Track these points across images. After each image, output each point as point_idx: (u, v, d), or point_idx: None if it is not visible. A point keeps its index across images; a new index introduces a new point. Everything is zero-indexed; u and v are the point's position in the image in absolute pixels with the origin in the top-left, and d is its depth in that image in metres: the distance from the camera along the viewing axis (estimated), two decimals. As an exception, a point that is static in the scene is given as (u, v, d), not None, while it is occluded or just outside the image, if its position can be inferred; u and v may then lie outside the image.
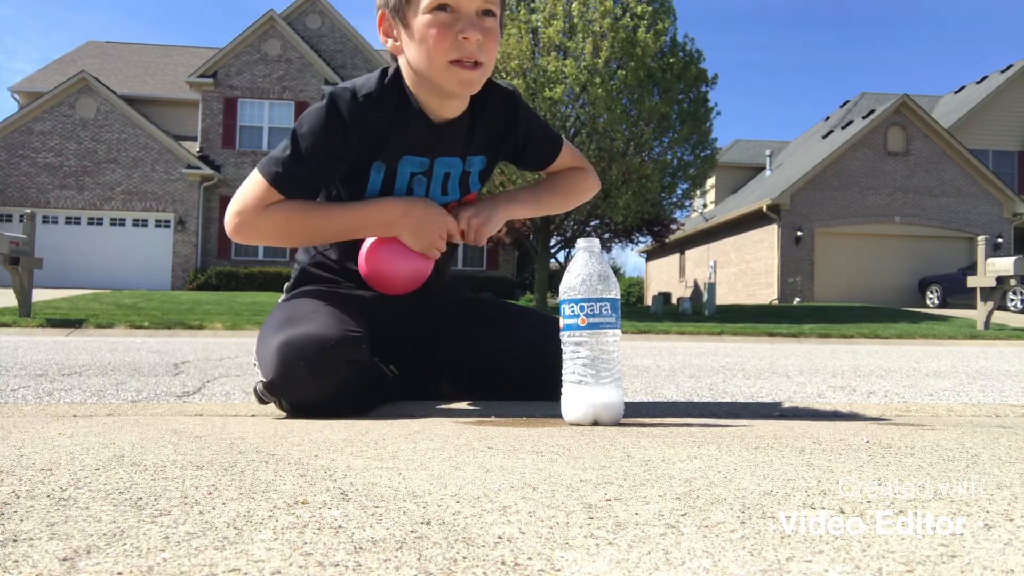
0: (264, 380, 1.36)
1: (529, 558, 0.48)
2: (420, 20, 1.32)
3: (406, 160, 1.47)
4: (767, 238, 20.05)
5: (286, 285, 1.70)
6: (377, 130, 1.41)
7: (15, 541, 0.51)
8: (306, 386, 1.31)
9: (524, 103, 1.59)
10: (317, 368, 1.29)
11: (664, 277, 29.24)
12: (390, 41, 1.41)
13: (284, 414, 1.39)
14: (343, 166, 1.44)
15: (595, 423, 1.19)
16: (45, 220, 18.94)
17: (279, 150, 1.40)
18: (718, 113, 14.06)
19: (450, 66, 1.33)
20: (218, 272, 18.92)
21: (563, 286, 1.24)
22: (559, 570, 0.46)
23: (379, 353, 1.55)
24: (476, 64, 1.34)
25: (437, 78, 1.36)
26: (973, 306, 12.12)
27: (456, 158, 1.52)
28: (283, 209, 1.40)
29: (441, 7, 1.30)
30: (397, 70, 1.45)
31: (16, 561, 0.47)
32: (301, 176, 1.39)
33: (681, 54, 13.48)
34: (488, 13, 1.34)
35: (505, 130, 1.57)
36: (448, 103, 1.44)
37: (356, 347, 1.34)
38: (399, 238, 1.46)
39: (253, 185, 1.40)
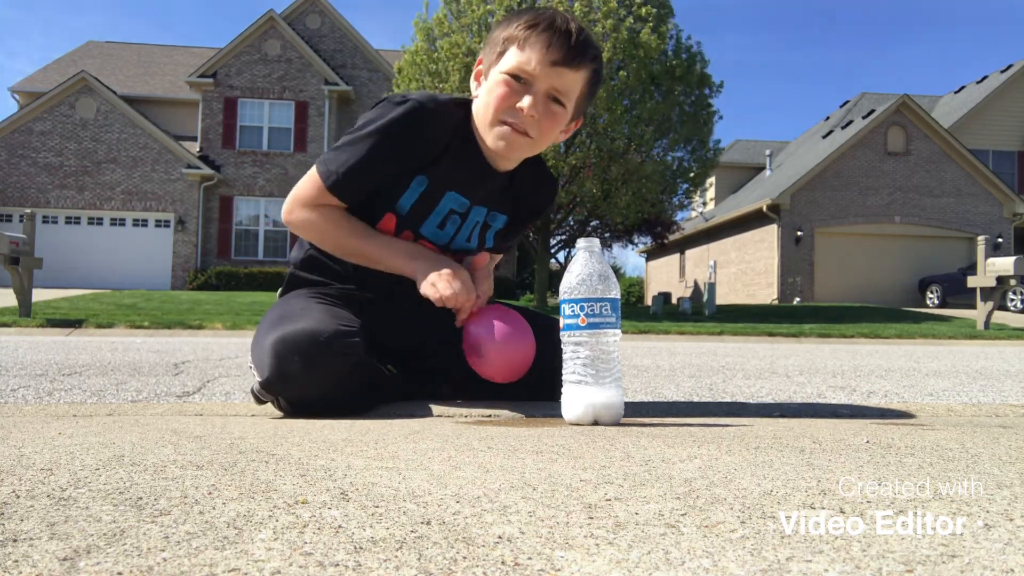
0: (260, 379, 1.36)
1: (529, 558, 0.48)
2: (495, 77, 1.40)
3: (450, 196, 1.51)
4: (767, 238, 20.05)
5: (279, 291, 1.71)
6: (436, 141, 1.46)
7: (15, 541, 0.51)
8: (301, 381, 1.31)
9: (554, 199, 1.70)
10: (312, 362, 1.29)
11: (664, 277, 29.24)
12: (475, 85, 1.50)
13: (283, 414, 1.39)
14: (395, 172, 1.47)
15: (595, 423, 1.19)
16: (45, 220, 18.94)
17: (337, 148, 1.44)
18: (720, 118, 14.08)
19: (500, 123, 1.41)
20: (218, 272, 18.92)
21: (563, 286, 1.24)
22: (559, 570, 0.46)
23: (376, 352, 1.55)
24: (525, 134, 1.41)
25: (486, 129, 1.44)
26: (973, 306, 12.12)
27: (484, 208, 1.58)
28: (329, 217, 1.46)
29: (516, 76, 1.38)
30: (471, 108, 1.51)
31: (16, 561, 0.47)
32: (353, 177, 1.43)
33: (684, 56, 13.47)
34: (556, 100, 1.40)
35: (528, 208, 1.67)
36: (500, 158, 1.50)
37: (350, 340, 1.34)
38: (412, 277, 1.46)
39: (308, 180, 1.47)
